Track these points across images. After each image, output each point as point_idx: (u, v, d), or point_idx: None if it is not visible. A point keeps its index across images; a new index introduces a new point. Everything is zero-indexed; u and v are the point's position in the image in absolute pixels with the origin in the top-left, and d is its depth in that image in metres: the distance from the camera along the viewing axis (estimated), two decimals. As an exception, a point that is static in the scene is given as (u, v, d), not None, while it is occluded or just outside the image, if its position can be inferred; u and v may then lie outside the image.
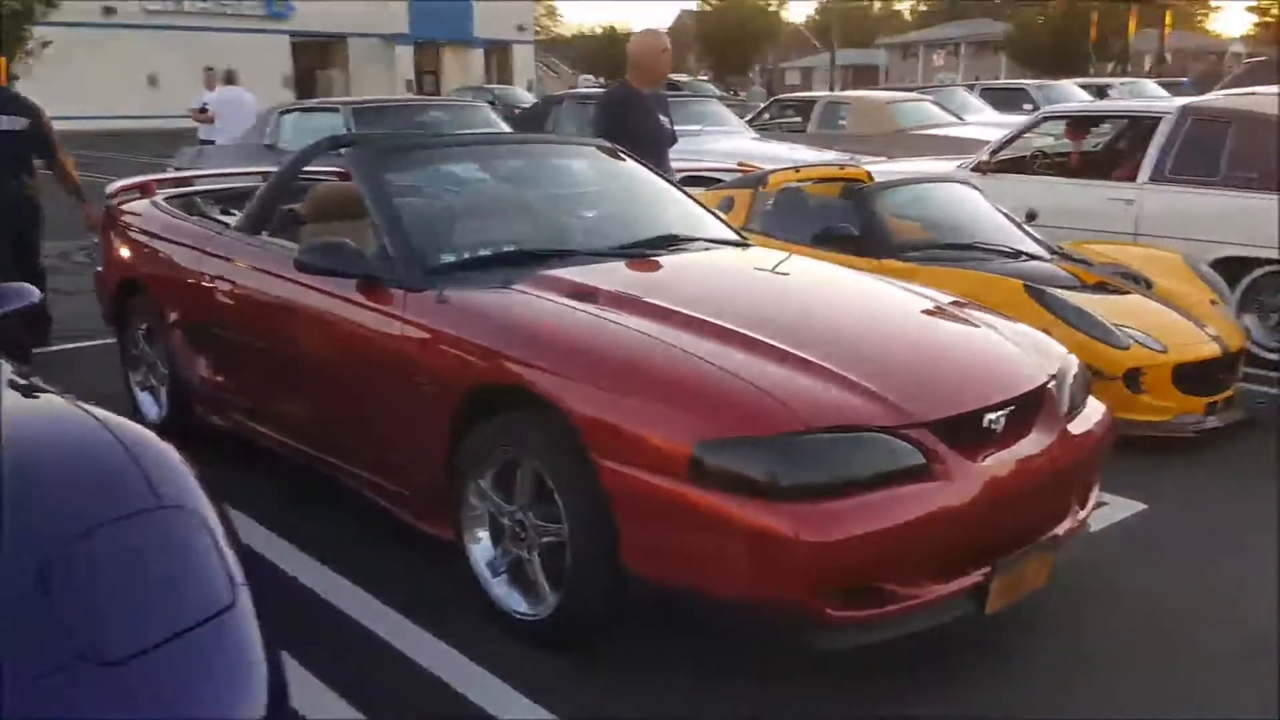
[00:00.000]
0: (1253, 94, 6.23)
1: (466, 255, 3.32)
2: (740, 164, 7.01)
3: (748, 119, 12.76)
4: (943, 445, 2.43)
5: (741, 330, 2.67)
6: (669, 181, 4.13)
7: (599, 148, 4.23)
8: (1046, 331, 4.20)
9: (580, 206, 3.92)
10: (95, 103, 29.96)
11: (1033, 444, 2.66)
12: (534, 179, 4.04)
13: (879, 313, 3.18)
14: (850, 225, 4.95)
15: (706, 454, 2.35)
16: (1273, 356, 5.59)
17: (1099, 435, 2.91)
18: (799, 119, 12.30)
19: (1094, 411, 3.00)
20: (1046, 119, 6.65)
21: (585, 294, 2.95)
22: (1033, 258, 4.97)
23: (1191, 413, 4.38)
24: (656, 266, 3.37)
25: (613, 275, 3.17)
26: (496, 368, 2.78)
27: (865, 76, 61.41)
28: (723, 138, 10.11)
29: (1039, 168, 6.93)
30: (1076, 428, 2.83)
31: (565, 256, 3.30)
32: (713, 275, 3.40)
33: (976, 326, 3.06)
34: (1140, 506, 3.77)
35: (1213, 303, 4.82)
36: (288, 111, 9.39)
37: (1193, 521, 3.72)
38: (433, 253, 3.24)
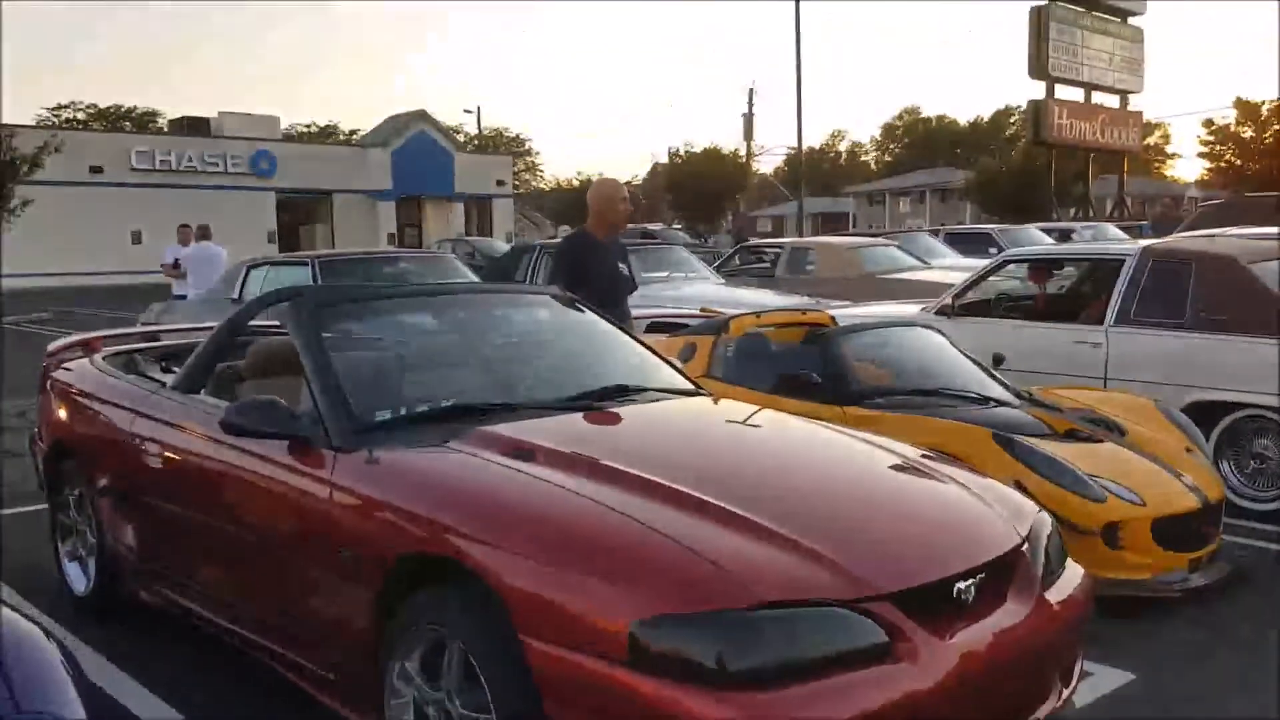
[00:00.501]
0: (1211, 235, 6.29)
1: (404, 411, 3.14)
2: (703, 309, 6.97)
3: (715, 265, 12.90)
4: (908, 620, 2.21)
5: (688, 491, 2.48)
6: (625, 331, 4.01)
7: (554, 296, 4.12)
8: (1017, 483, 4.08)
9: (529, 357, 3.78)
10: (79, 259, 30.32)
11: (1008, 615, 2.44)
12: (482, 329, 3.91)
13: (839, 469, 3.00)
14: (812, 371, 4.83)
15: (646, 634, 2.12)
16: (1251, 506, 5.41)
17: (1081, 601, 2.69)
18: (767, 265, 12.43)
19: (1073, 575, 2.79)
20: (1008, 262, 6.68)
21: (524, 452, 2.76)
22: (1001, 404, 4.84)
23: (1174, 569, 4.15)
24: (605, 419, 3.20)
25: (557, 430, 2.99)
26: (424, 536, 2.56)
27: (834, 223, 63.29)
28: (689, 284, 10.16)
29: (1004, 311, 6.91)
30: (1055, 594, 2.61)
31: (509, 410, 3.13)
32: (663, 428, 3.23)
33: (944, 482, 2.87)
34: (1129, 676, 3.51)
35: (1188, 450, 4.67)
36: (256, 265, 9.37)
37: (1186, 693, 3.46)
38: (367, 410, 3.05)
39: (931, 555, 2.40)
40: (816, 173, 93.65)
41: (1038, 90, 29.02)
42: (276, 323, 4.52)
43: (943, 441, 4.30)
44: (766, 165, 77.07)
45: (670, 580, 2.20)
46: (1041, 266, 7.01)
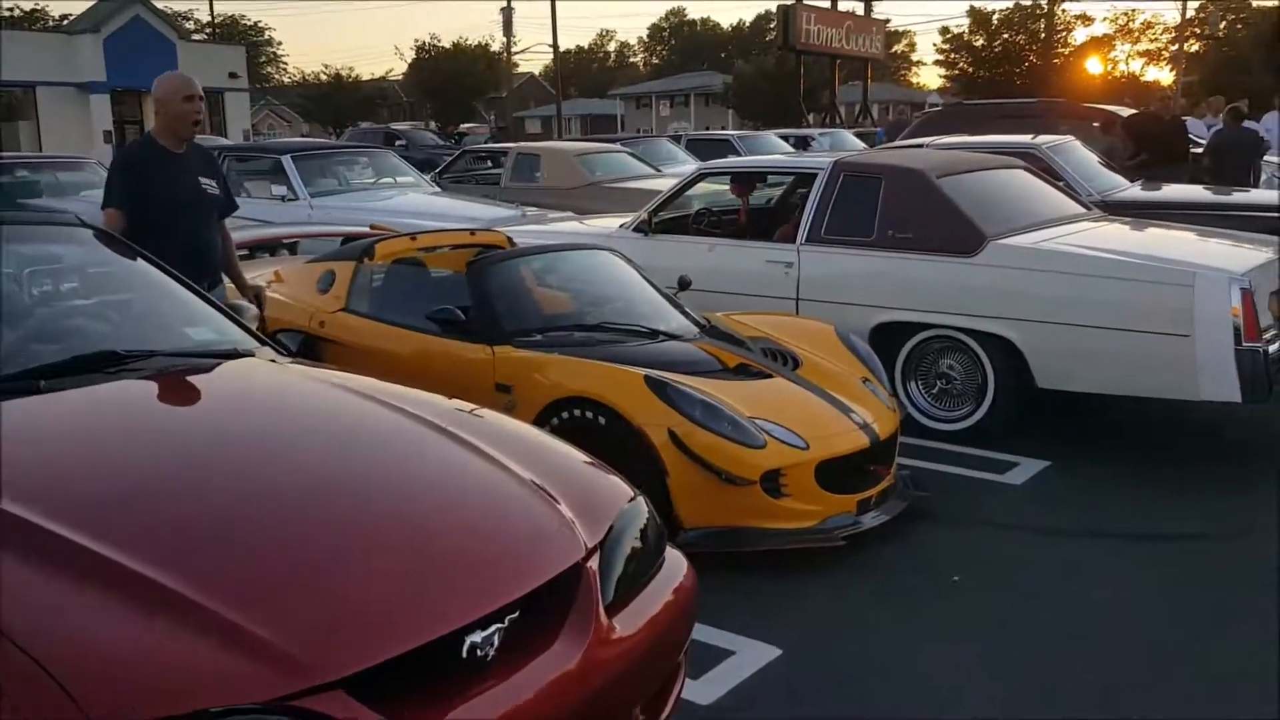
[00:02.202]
0: (906, 147, 6.02)
1: None
2: (374, 226, 6.07)
3: (438, 172, 11.90)
4: (370, 713, 1.55)
5: (77, 539, 1.70)
6: (171, 274, 3.09)
7: (70, 225, 3.14)
8: (672, 430, 3.59)
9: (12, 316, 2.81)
10: None
11: (552, 663, 1.84)
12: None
13: (323, 480, 2.14)
14: (455, 306, 4.12)
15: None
16: (940, 427, 5.25)
17: (668, 619, 2.15)
18: (495, 172, 11.54)
19: (668, 578, 2.25)
20: (703, 175, 6.18)
21: None
22: (671, 337, 4.33)
23: (843, 513, 3.82)
24: (38, 412, 2.27)
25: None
26: None
27: (603, 125, 62.53)
28: (393, 195, 9.17)
29: (705, 228, 6.45)
30: (630, 619, 2.05)
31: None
32: (106, 427, 2.31)
33: (488, 477, 2.20)
34: (775, 652, 3.12)
35: (865, 380, 4.34)
36: None
37: (834, 667, 3.10)
38: None
39: (422, 606, 1.75)
40: (585, 74, 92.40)
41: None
42: None
43: (593, 386, 3.78)
44: (536, 65, 74.73)
45: None
46: (743, 181, 6.57)
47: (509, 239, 5.31)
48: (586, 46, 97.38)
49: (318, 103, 49.55)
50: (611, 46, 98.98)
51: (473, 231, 5.23)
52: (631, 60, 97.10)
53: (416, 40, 45.91)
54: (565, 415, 3.80)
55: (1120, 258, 4.79)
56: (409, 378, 2.94)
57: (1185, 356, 4.48)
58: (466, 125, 45.59)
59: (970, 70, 37.85)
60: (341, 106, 45.44)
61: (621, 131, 54.91)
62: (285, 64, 73.24)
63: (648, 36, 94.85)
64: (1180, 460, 4.97)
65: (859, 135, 19.69)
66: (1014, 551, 3.97)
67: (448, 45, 43.92)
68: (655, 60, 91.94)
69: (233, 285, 4.20)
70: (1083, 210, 5.87)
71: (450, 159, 12.52)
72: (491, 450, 2.26)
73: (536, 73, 77.16)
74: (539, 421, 3.74)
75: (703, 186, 6.61)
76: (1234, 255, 5.00)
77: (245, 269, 4.44)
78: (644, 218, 6.12)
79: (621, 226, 6.29)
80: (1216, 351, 4.41)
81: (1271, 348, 4.53)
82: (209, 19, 55.09)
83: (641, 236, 6.12)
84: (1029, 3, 37.51)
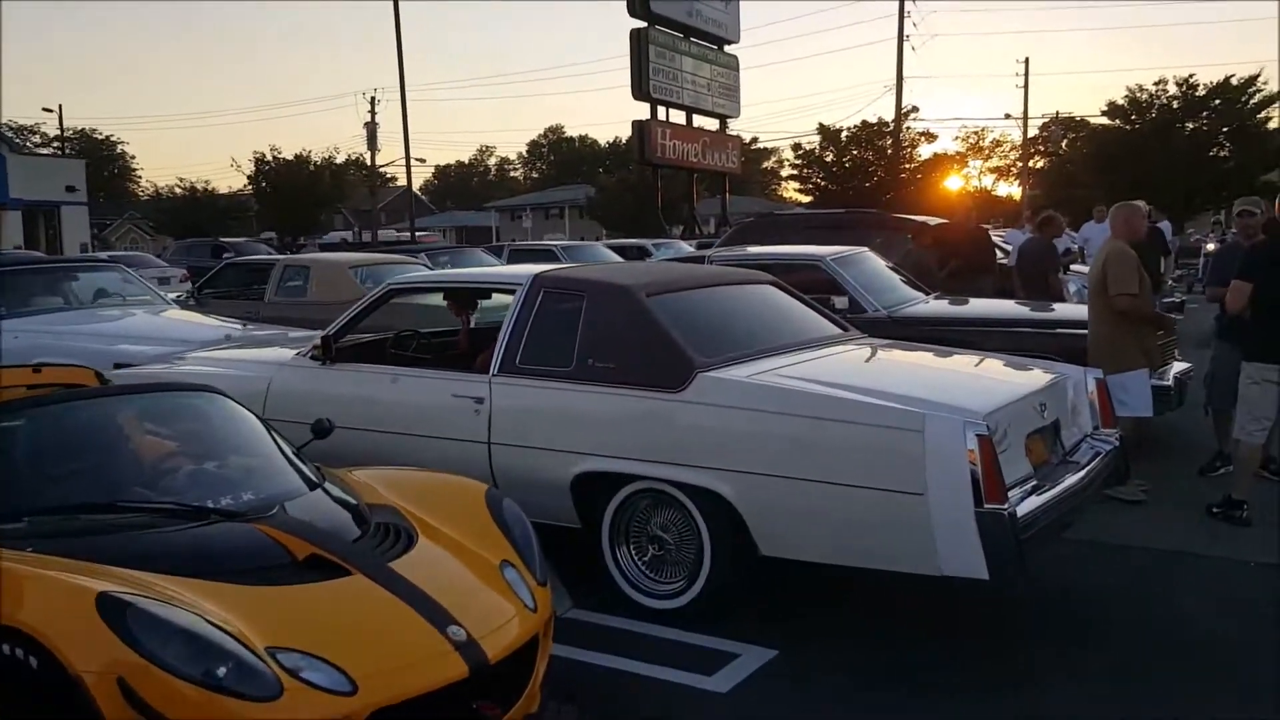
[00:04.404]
0: (598, 267, 5.10)
1: None
2: (39, 365, 4.66)
3: (199, 285, 10.63)
4: None
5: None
6: None
7: None
8: (123, 680, 2.40)
9: None
10: None
11: None
12: None
13: None
14: None
15: None
16: (653, 604, 4.19)
17: None
18: (259, 286, 10.30)
19: None
20: (393, 293, 5.14)
21: None
22: (231, 516, 3.15)
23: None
24: None
25: None
26: None
27: (478, 237, 62.05)
28: (114, 315, 7.88)
29: (413, 353, 5.38)
30: None
31: None
32: None
33: None
34: None
35: (507, 566, 3.25)
36: None
37: None
38: None
39: None
40: (466, 187, 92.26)
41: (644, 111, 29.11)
42: None
43: (25, 611, 2.56)
44: (416, 179, 73.97)
45: None
46: (457, 298, 5.54)
47: (99, 375, 4.13)
48: (467, 161, 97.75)
49: (173, 216, 47.50)
50: (492, 161, 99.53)
51: (37, 368, 4.01)
52: (512, 174, 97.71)
53: (256, 152, 44.01)
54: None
55: (846, 394, 3.85)
56: None
57: (919, 520, 3.54)
58: (336, 234, 44.05)
59: (824, 184, 38.58)
60: (197, 220, 43.54)
61: (497, 242, 54.28)
62: (139, 177, 70.92)
63: (527, 152, 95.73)
64: (950, 647, 4.00)
65: (697, 246, 19.19)
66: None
67: (289, 157, 42.47)
68: (535, 174, 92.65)
69: None
70: (836, 333, 5.00)
71: (212, 272, 11.24)
72: None
73: (416, 187, 76.52)
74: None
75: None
76: (987, 389, 4.18)
77: None
78: (319, 343, 5.01)
79: (298, 355, 5.17)
80: (953, 514, 3.48)
81: (1025, 506, 3.64)
82: (59, 131, 52.97)
83: (318, 365, 5.01)
84: (874, 121, 38.76)
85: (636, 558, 4.28)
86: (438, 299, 5.73)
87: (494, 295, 5.27)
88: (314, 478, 3.57)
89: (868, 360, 4.65)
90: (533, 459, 4.36)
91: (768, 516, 3.89)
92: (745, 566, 4.03)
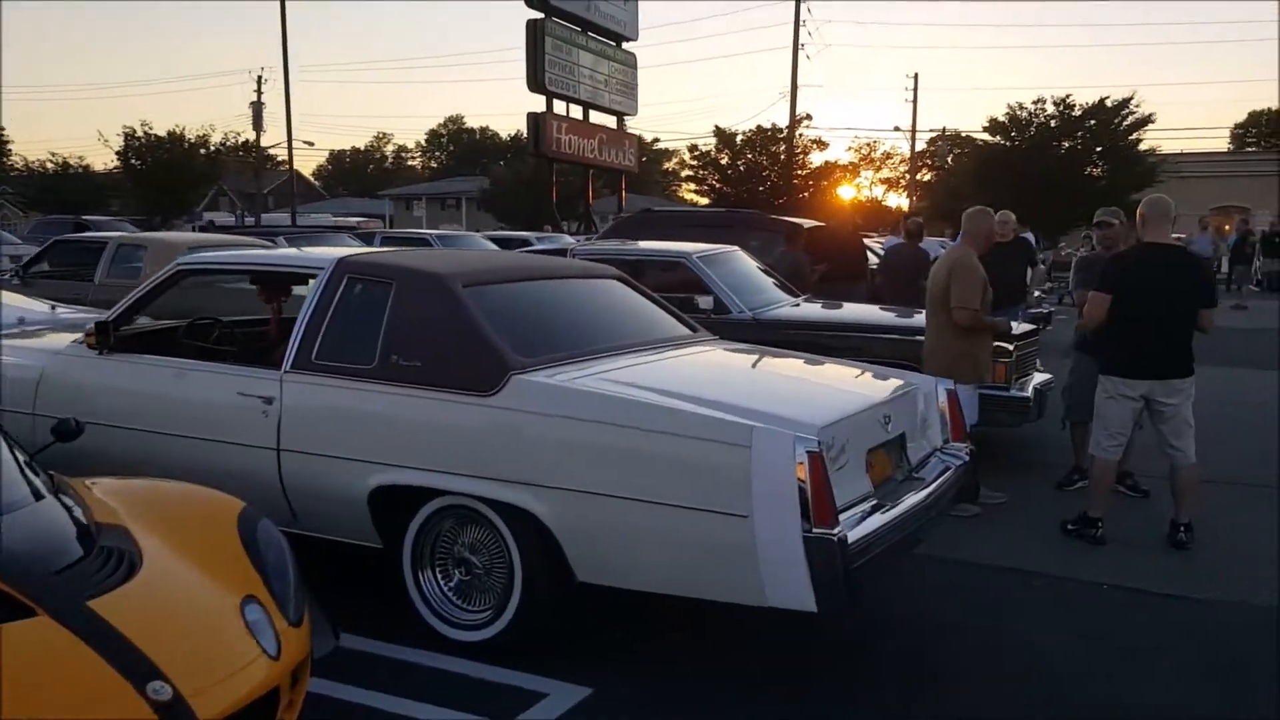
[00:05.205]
0: (410, 252, 4.62)
1: None
2: None
3: (24, 265, 9.69)
4: None
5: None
6: None
7: None
8: None
9: None
10: None
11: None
12: None
13: None
14: None
15: None
16: (460, 636, 3.71)
17: None
18: (89, 265, 9.42)
19: None
20: (183, 274, 4.55)
21: None
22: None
23: None
24: None
25: None
26: None
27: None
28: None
29: (213, 342, 4.79)
30: None
31: None
32: None
33: None
34: None
35: (249, 600, 2.73)
36: None
37: None
38: None
39: None
40: (362, 174, 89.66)
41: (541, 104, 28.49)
42: None
43: None
44: (310, 163, 71.54)
45: None
46: (266, 284, 4.97)
47: None
48: (363, 147, 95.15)
49: (46, 192, 44.68)
50: (389, 149, 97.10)
51: None
52: (410, 163, 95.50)
53: (126, 127, 41.09)
54: None
55: (671, 403, 3.44)
56: None
57: (744, 546, 3.16)
58: (216, 216, 41.95)
59: (719, 186, 38.62)
60: (78, 197, 40.93)
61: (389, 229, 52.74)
62: (11, 149, 66.83)
63: (426, 141, 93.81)
64: (788, 679, 3.63)
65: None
66: None
67: (161, 134, 40.20)
68: (433, 164, 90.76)
69: None
70: (683, 334, 4.61)
71: (36, 251, 10.28)
72: None
73: (309, 172, 74.10)
74: None
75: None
76: (827, 400, 3.83)
77: None
78: (92, 329, 4.38)
79: (75, 342, 4.53)
80: (779, 539, 3.10)
81: (860, 529, 3.29)
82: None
83: (94, 355, 4.39)
84: (769, 126, 38.99)
85: (442, 583, 3.80)
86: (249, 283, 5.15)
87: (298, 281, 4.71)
88: (42, 489, 2.99)
89: (708, 365, 4.26)
90: (326, 468, 3.83)
91: (585, 539, 3.46)
92: (560, 595, 3.59)
